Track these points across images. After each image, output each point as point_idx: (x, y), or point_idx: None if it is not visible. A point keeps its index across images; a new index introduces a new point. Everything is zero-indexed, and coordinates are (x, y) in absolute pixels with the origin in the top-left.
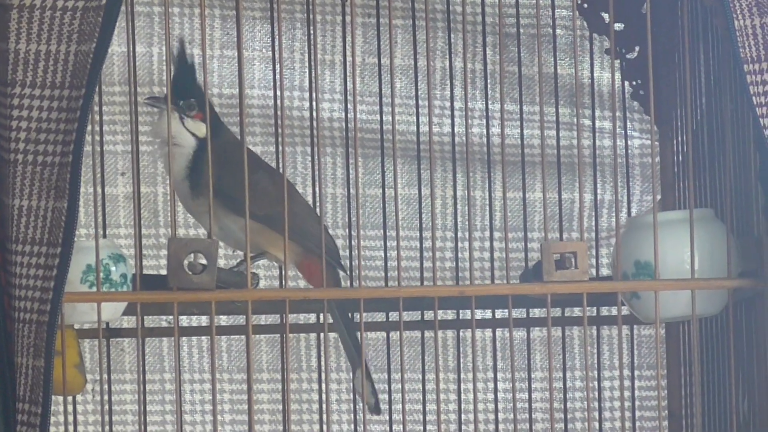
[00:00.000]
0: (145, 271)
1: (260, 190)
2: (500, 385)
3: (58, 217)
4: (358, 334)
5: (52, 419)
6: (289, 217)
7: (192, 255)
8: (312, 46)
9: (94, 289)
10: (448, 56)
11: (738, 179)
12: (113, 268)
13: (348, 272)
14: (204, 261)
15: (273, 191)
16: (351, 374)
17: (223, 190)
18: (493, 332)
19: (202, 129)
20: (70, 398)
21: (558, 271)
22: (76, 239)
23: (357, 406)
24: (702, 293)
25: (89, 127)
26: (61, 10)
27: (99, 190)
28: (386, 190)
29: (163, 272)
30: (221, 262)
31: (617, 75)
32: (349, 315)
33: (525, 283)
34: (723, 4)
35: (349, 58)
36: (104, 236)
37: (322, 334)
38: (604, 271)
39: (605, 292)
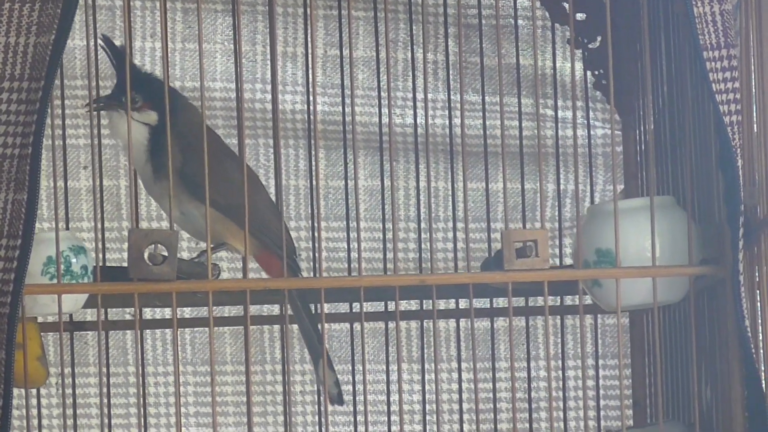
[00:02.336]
0: (108, 264)
1: (227, 179)
2: (464, 375)
3: (18, 209)
4: (320, 325)
5: (16, 413)
6: (251, 210)
7: (153, 246)
8: (273, 39)
9: (55, 281)
10: (410, 48)
11: (699, 166)
12: (74, 260)
13: (300, 272)
14: (165, 252)
15: (239, 182)
16: (314, 365)
17: (187, 175)
18: (457, 322)
19: (152, 117)
20: (33, 391)
21: (519, 260)
22: (37, 231)
23: (321, 398)
24: (663, 281)
25: (51, 121)
26: (20, 2)
27: (61, 183)
28: (349, 181)
29: (125, 264)
30: (185, 255)
31: (580, 65)
32: (310, 306)
33: (486, 271)
34: None
35: (310, 50)
36: (67, 229)
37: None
38: (568, 261)
39: (567, 281)
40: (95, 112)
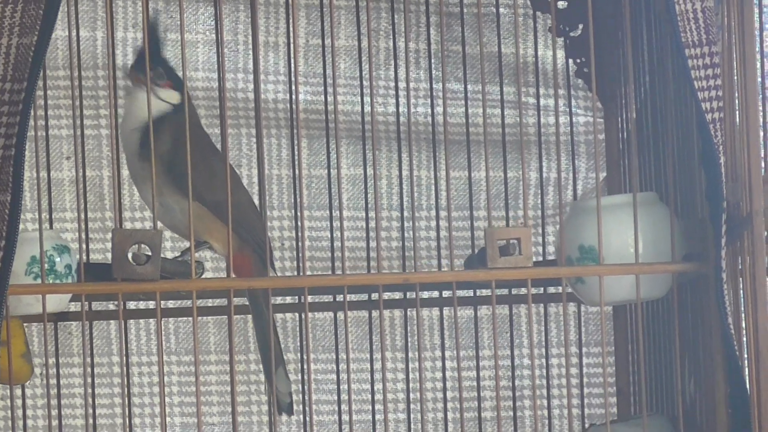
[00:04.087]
0: (92, 256)
1: (213, 175)
2: (448, 364)
3: (1, 210)
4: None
5: (0, 404)
6: (236, 209)
7: (136, 246)
8: (255, 28)
9: (39, 280)
10: (392, 36)
11: (681, 162)
12: (58, 260)
13: (275, 270)
14: (149, 252)
15: (223, 179)
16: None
17: (175, 166)
18: (441, 311)
19: (175, 96)
20: (18, 387)
21: (502, 258)
22: (21, 231)
23: (305, 387)
24: (646, 277)
25: (33, 112)
26: (2, 3)
27: (44, 174)
28: (332, 170)
29: (110, 258)
30: (168, 253)
31: (561, 53)
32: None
33: (469, 269)
34: None
35: (292, 40)
36: (50, 226)
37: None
38: (551, 249)
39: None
40: (78, 102)
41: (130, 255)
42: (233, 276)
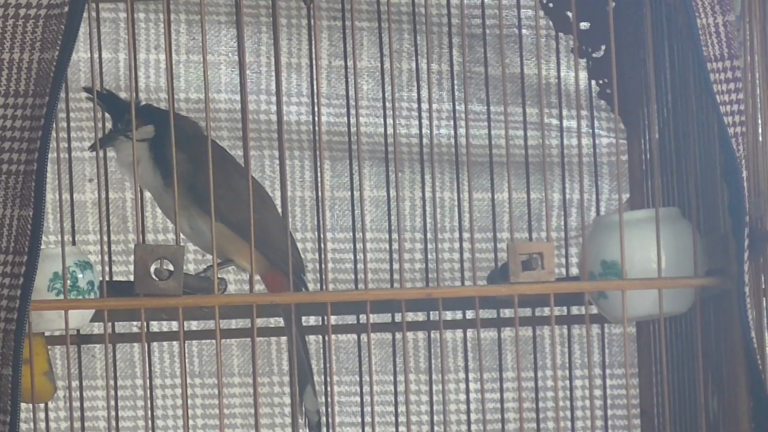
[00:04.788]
0: (114, 278)
1: (238, 194)
2: (472, 386)
3: (24, 225)
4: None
5: (24, 426)
6: (260, 226)
7: (158, 261)
8: (277, 50)
9: (61, 296)
10: (414, 58)
11: (704, 177)
12: (80, 275)
13: (308, 289)
14: (171, 267)
15: (248, 197)
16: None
17: (198, 188)
18: (464, 333)
19: (148, 130)
20: (41, 406)
21: (524, 272)
22: (43, 246)
23: (329, 410)
24: (669, 292)
25: (56, 134)
26: (24, 18)
27: (67, 196)
28: (355, 192)
29: (132, 278)
30: (191, 267)
31: (584, 74)
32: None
33: (492, 284)
34: (684, 2)
35: (314, 61)
36: (73, 243)
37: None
38: (574, 271)
39: (574, 292)
40: (101, 124)
41: (152, 270)
42: (256, 291)
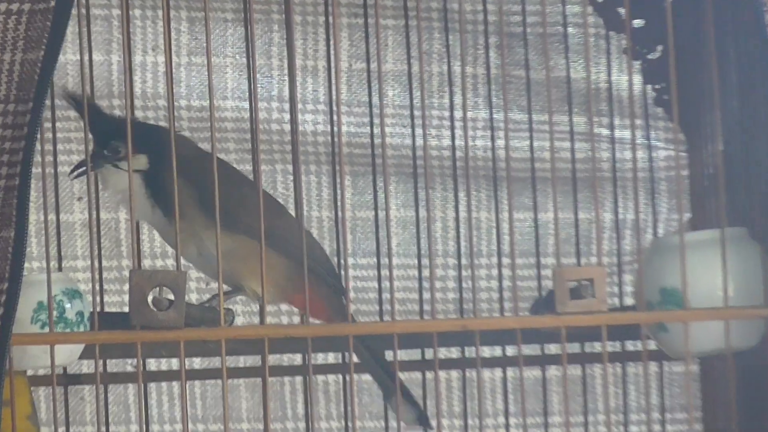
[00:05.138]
0: (106, 309)
1: (252, 203)
2: None
3: (4, 248)
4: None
5: None
6: (283, 234)
7: (157, 289)
8: (291, 51)
9: (47, 329)
10: (446, 60)
11: None
12: (68, 305)
13: (345, 296)
14: (171, 296)
15: (266, 205)
16: (348, 419)
17: (207, 204)
18: (504, 371)
19: (141, 161)
20: None
21: (573, 301)
22: (25, 273)
23: None
24: (737, 323)
25: (41, 147)
26: (5, 14)
27: (53, 217)
28: (379, 212)
29: (127, 309)
30: (193, 297)
31: (639, 78)
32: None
33: (536, 315)
34: None
35: (333, 64)
36: (59, 269)
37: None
38: (629, 301)
39: (628, 324)
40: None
41: (150, 299)
42: (267, 323)
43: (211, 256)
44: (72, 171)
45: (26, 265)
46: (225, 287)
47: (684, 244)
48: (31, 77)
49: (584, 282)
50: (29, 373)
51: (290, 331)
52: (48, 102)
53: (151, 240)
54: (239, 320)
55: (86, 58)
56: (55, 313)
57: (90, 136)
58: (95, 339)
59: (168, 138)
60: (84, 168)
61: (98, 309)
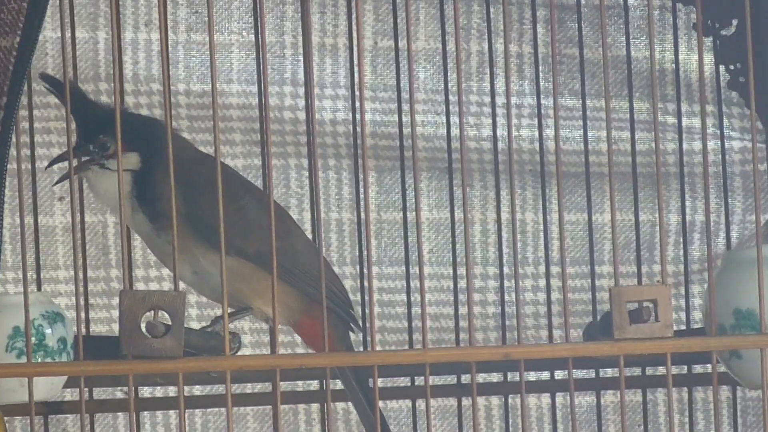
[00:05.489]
0: (93, 327)
1: (250, 218)
2: None
3: None
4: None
5: None
6: (289, 254)
7: (152, 312)
8: (307, 27)
9: (24, 359)
10: (486, 37)
11: None
12: (48, 331)
13: (360, 328)
14: (168, 321)
15: (267, 222)
16: None
17: (196, 219)
18: (552, 398)
19: (132, 160)
20: None
21: (633, 326)
22: None
23: None
24: None
25: (16, 139)
26: None
27: (30, 219)
28: (408, 213)
29: (116, 329)
30: (193, 325)
31: (710, 57)
32: (366, 379)
33: (590, 342)
34: None
35: (356, 42)
36: (38, 288)
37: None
38: (697, 315)
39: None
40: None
41: (143, 325)
42: (279, 352)
43: (208, 275)
44: (50, 165)
45: None
46: (229, 309)
47: (761, 258)
48: (5, 67)
49: (646, 304)
50: (4, 401)
51: (306, 361)
52: (24, 87)
53: (143, 247)
54: (247, 347)
55: (68, 35)
56: (33, 339)
57: (73, 127)
58: (80, 371)
59: (163, 134)
60: (65, 173)
61: (83, 329)
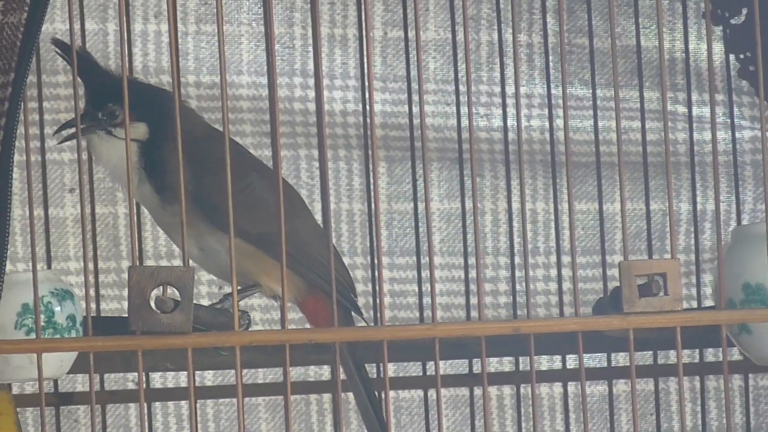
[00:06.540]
0: (103, 315)
1: (255, 199)
2: None
3: None
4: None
5: None
6: (291, 238)
7: (161, 288)
8: (316, 18)
9: (33, 335)
10: (496, 26)
11: None
12: (57, 308)
13: (362, 316)
14: (177, 296)
15: (272, 202)
16: None
17: (202, 199)
18: (564, 387)
19: (140, 130)
20: None
21: (642, 299)
22: (7, 272)
23: None
24: None
25: (25, 129)
26: None
27: (40, 211)
28: (419, 204)
29: (126, 315)
30: (203, 300)
31: (720, 46)
32: (367, 369)
33: (599, 315)
34: None
35: (365, 32)
36: (48, 267)
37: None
38: (709, 304)
39: (706, 326)
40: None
41: (152, 300)
42: (289, 327)
43: (214, 252)
44: (58, 131)
45: (9, 267)
46: (240, 285)
47: None
48: (12, 44)
49: (656, 277)
50: (15, 389)
51: (315, 336)
52: (33, 78)
53: (155, 238)
54: (256, 327)
55: (77, 26)
56: (42, 316)
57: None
58: (89, 346)
59: (173, 105)
60: (72, 131)
61: (93, 314)
